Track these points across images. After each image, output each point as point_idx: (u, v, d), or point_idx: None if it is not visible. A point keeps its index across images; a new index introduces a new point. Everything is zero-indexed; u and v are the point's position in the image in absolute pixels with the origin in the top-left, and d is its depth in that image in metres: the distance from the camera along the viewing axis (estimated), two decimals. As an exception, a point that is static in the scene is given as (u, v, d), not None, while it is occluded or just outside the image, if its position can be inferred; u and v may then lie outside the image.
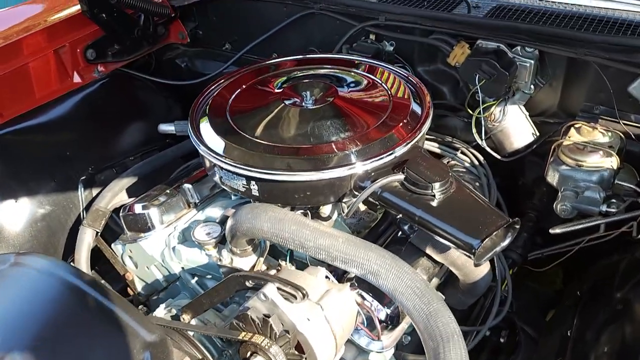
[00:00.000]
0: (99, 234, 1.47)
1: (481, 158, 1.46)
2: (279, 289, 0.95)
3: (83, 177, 1.63)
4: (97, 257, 1.50)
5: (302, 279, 1.00)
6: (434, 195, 1.07)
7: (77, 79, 1.75)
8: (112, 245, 1.44)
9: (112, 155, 1.72)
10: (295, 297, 0.94)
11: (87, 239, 1.44)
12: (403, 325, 1.14)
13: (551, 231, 1.29)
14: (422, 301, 0.94)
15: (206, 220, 1.30)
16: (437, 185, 1.06)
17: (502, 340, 1.40)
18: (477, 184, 1.41)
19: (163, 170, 1.59)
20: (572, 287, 1.50)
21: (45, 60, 1.67)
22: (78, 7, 1.69)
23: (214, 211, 1.36)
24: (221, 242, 1.24)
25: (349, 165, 1.12)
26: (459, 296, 1.27)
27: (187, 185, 1.40)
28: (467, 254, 1.01)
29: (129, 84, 1.89)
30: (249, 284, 0.99)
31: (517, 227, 1.05)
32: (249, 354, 0.95)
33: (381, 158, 1.13)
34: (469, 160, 1.47)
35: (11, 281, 0.90)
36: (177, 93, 1.94)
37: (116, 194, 1.52)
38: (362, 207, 1.36)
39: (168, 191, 1.40)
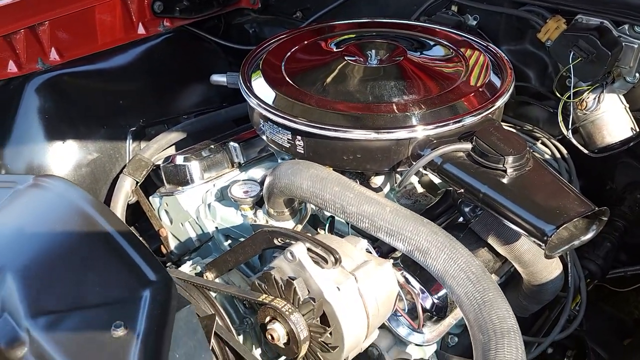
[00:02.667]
0: (139, 184, 1.41)
1: (564, 151, 1.27)
2: (309, 250, 0.82)
3: (133, 129, 1.57)
4: (137, 213, 1.44)
5: (338, 244, 0.86)
6: (505, 171, 0.90)
7: (141, 30, 1.70)
8: (150, 197, 1.37)
9: (166, 111, 1.66)
10: (327, 262, 0.81)
11: (125, 187, 1.38)
12: (450, 321, 0.98)
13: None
14: (476, 288, 0.79)
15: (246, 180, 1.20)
16: (510, 159, 0.90)
17: (566, 360, 1.20)
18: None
19: (214, 130, 1.50)
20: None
21: (111, 6, 1.62)
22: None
23: (257, 172, 1.25)
24: (259, 203, 1.13)
25: (408, 128, 0.97)
26: (521, 300, 1.09)
27: (233, 144, 1.31)
28: (538, 242, 0.84)
29: (194, 42, 1.82)
30: (277, 242, 0.87)
31: (605, 218, 0.86)
32: (267, 319, 0.83)
33: (447, 124, 0.98)
34: (549, 153, 1.29)
35: (23, 201, 0.83)
36: (241, 58, 1.85)
37: (162, 147, 1.45)
38: (420, 189, 1.21)
39: (213, 147, 1.31)
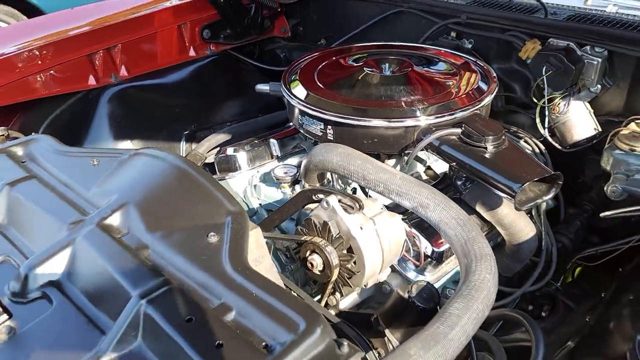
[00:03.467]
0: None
1: (543, 147, 1.57)
2: (339, 200, 1.12)
3: (186, 132, 1.89)
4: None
5: (361, 198, 1.16)
6: (486, 148, 1.20)
7: (192, 52, 2.04)
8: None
9: (212, 119, 1.98)
10: (352, 208, 1.10)
11: (184, 175, 1.68)
12: (446, 268, 1.26)
13: (601, 215, 1.36)
14: (462, 230, 1.07)
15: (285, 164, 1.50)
16: (490, 138, 1.20)
17: (543, 314, 1.46)
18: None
19: (252, 133, 1.81)
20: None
21: (169, 33, 1.98)
22: (202, -9, 2.00)
23: (293, 161, 1.56)
24: (296, 182, 1.43)
25: (414, 118, 1.28)
26: (504, 260, 1.37)
27: (273, 140, 1.62)
28: (510, 197, 1.13)
29: (234, 64, 2.16)
30: (315, 197, 1.17)
31: (560, 182, 1.15)
32: (308, 253, 1.12)
33: (443, 116, 1.28)
34: (530, 149, 1.58)
35: (130, 163, 1.13)
36: (272, 77, 2.19)
37: (212, 145, 1.77)
38: (424, 176, 1.51)
39: (256, 142, 1.62)
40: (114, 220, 0.98)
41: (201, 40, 2.05)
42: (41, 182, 1.11)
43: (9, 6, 3.92)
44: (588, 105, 1.56)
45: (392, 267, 1.23)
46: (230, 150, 1.58)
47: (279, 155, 1.61)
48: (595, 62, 1.50)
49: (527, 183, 1.11)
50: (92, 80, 1.81)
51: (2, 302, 0.86)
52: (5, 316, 0.85)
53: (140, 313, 0.80)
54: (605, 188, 1.36)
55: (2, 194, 1.08)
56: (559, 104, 1.55)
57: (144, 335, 0.79)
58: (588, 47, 1.52)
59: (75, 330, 0.85)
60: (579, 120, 1.55)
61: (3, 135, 1.32)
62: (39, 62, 1.68)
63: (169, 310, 0.80)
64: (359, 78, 1.44)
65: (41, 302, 0.90)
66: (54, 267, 0.92)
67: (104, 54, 1.82)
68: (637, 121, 1.43)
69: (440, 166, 1.51)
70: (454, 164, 1.23)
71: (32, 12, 4.02)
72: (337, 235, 1.10)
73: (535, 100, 1.56)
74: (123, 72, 1.87)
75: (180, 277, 0.86)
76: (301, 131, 1.44)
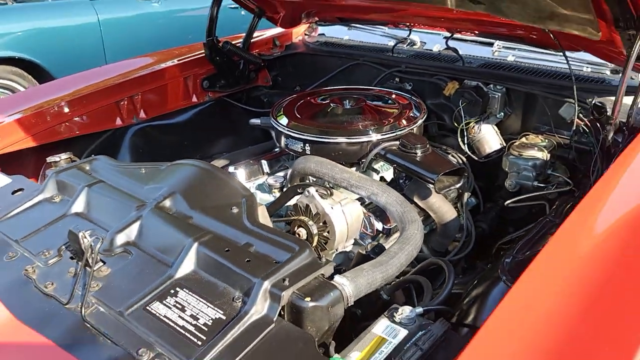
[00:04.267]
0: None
1: (464, 158, 2.11)
2: (316, 190, 1.63)
3: (193, 160, 2.39)
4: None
5: (332, 191, 1.67)
6: (416, 153, 1.74)
7: (194, 99, 2.57)
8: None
9: (212, 150, 2.50)
10: (326, 195, 1.61)
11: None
12: (392, 240, 1.77)
13: (505, 204, 1.90)
14: (400, 207, 1.58)
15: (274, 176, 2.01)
16: (418, 147, 1.74)
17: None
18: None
19: (247, 158, 2.33)
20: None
21: (177, 84, 2.51)
22: (202, 52, 2.55)
23: (280, 174, 2.07)
24: (283, 187, 1.94)
25: (367, 136, 1.82)
26: (437, 238, 1.88)
27: (263, 161, 2.13)
28: (431, 184, 1.66)
29: (227, 107, 2.69)
30: (299, 190, 1.67)
31: (466, 175, 1.70)
32: (296, 227, 1.62)
33: (387, 134, 1.82)
34: (455, 160, 2.13)
35: (170, 169, 1.62)
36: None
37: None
38: (377, 177, 2.04)
39: (251, 162, 2.13)
40: (166, 203, 1.46)
41: (201, 89, 2.58)
42: (108, 184, 1.59)
43: (17, 67, 4.43)
44: (495, 127, 2.12)
45: (355, 240, 1.73)
46: (231, 168, 2.08)
47: (268, 172, 2.12)
48: (497, 96, 2.08)
49: (442, 174, 1.65)
50: (118, 121, 2.31)
51: (98, 257, 1.32)
52: (101, 263, 1.33)
53: (194, 250, 1.28)
54: (505, 183, 1.91)
55: (82, 194, 1.56)
56: (474, 127, 2.11)
57: (197, 264, 1.27)
58: (492, 85, 2.10)
59: (150, 267, 1.32)
60: (489, 138, 2.10)
61: (69, 157, 1.80)
62: (81, 108, 2.18)
63: (213, 246, 1.28)
64: (327, 110, 1.99)
65: (123, 255, 1.37)
66: (130, 233, 1.40)
67: (128, 101, 2.33)
68: (526, 136, 2.00)
69: (389, 175, 2.04)
70: (395, 165, 1.76)
71: (36, 71, 4.54)
72: (315, 213, 1.61)
73: (457, 125, 2.13)
74: (142, 114, 2.38)
75: (216, 231, 1.35)
76: (286, 150, 1.97)
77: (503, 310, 1.01)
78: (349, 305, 1.20)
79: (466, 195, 1.96)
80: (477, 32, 2.23)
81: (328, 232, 1.61)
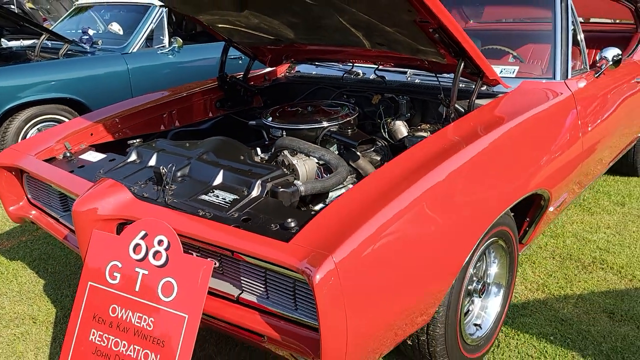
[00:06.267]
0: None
1: (385, 143, 3.31)
2: (289, 152, 2.82)
3: (210, 152, 3.60)
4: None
5: (298, 154, 2.86)
6: (347, 133, 2.94)
7: (210, 114, 3.80)
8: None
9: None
10: (294, 154, 2.80)
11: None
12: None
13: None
14: (336, 160, 2.77)
15: (265, 154, 3.21)
16: (349, 129, 2.94)
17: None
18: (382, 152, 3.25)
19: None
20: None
21: (199, 104, 3.74)
22: (215, 83, 3.80)
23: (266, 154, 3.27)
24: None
25: (319, 124, 3.03)
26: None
27: (257, 148, 3.33)
28: (356, 149, 2.86)
29: (233, 120, 3.91)
30: (279, 153, 2.86)
31: (378, 143, 2.89)
32: (276, 173, 2.81)
33: (331, 122, 3.04)
34: (379, 144, 3.33)
35: (205, 141, 2.82)
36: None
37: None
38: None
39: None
40: (203, 156, 2.64)
41: (215, 107, 3.81)
42: (167, 150, 2.78)
43: (65, 105, 5.69)
44: (404, 122, 3.34)
45: (312, 184, 2.90)
46: (237, 152, 3.27)
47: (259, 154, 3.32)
48: (404, 103, 3.30)
49: (360, 142, 2.85)
50: (162, 127, 3.52)
51: (169, 179, 2.48)
52: (171, 184, 2.50)
53: (221, 173, 2.46)
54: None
55: (154, 155, 2.74)
56: (390, 122, 3.32)
57: (223, 178, 2.45)
58: (401, 96, 3.32)
59: (197, 184, 2.49)
60: (400, 129, 3.31)
61: (141, 140, 2.99)
62: (139, 117, 3.39)
63: (230, 169, 2.46)
64: (296, 112, 3.21)
65: (182, 181, 2.55)
66: (184, 170, 2.57)
67: (168, 115, 3.55)
68: (421, 125, 3.21)
69: (335, 151, 3.23)
70: (335, 140, 2.97)
71: (79, 106, 5.79)
72: (288, 164, 2.79)
73: (380, 122, 3.34)
74: (177, 123, 3.60)
75: (232, 165, 2.53)
76: (271, 136, 3.17)
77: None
78: (302, 194, 2.37)
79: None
80: (392, 63, 3.48)
81: (295, 175, 2.79)
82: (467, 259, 2.28)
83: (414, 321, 2.12)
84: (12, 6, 9.32)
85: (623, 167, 5.05)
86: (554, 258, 3.74)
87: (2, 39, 7.03)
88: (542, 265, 3.65)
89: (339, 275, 1.76)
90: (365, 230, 1.88)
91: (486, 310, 2.83)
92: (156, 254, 2.10)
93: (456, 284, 2.32)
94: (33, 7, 11.88)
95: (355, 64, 3.73)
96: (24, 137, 5.41)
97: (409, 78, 3.57)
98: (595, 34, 5.33)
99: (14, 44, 7.19)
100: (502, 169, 2.51)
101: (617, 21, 5.26)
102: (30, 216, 3.07)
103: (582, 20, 5.62)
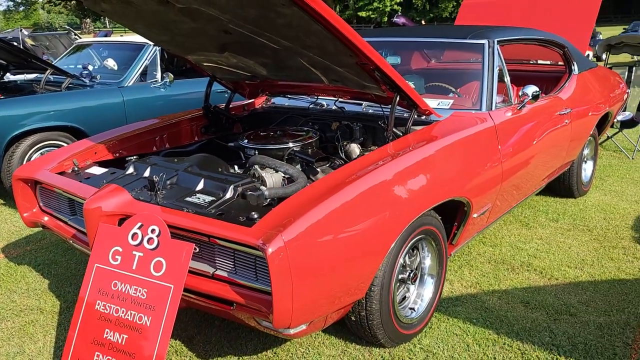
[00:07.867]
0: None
1: (342, 161, 3.96)
2: (259, 167, 3.46)
3: (195, 170, 4.23)
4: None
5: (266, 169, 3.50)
6: (308, 152, 3.59)
7: (196, 138, 4.44)
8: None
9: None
10: (264, 169, 3.44)
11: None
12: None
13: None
14: (298, 173, 3.41)
15: (240, 170, 3.85)
16: (309, 149, 3.60)
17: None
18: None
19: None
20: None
21: (187, 129, 4.39)
22: (201, 112, 4.46)
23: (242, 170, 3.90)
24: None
25: (286, 145, 3.68)
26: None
27: (235, 166, 3.97)
28: (313, 165, 3.50)
29: (216, 144, 4.55)
30: (251, 168, 3.50)
31: (333, 159, 3.54)
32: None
33: (296, 143, 3.69)
34: (338, 162, 3.98)
35: (190, 157, 3.45)
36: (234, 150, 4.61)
37: (208, 172, 4.11)
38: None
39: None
40: (189, 169, 3.27)
41: (200, 132, 4.46)
42: (159, 164, 3.40)
43: (65, 132, 6.32)
44: (358, 145, 4.00)
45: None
46: (218, 168, 3.91)
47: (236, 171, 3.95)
48: (357, 128, 3.97)
49: (316, 159, 3.50)
50: (154, 148, 4.16)
51: (160, 186, 3.10)
52: (160, 190, 3.13)
53: (202, 181, 3.08)
54: (357, 169, 3.76)
55: (148, 168, 3.36)
56: (346, 144, 3.97)
57: (204, 185, 3.07)
58: (355, 123, 4.00)
59: (183, 190, 3.12)
60: (354, 150, 3.97)
61: (137, 157, 3.62)
62: (135, 140, 4.03)
63: (210, 178, 3.09)
64: (267, 135, 3.86)
65: (170, 188, 3.17)
66: (173, 180, 3.20)
67: (159, 138, 4.19)
68: (371, 147, 3.87)
69: (299, 167, 3.87)
70: (298, 158, 3.61)
71: (78, 133, 6.41)
72: (258, 176, 3.42)
73: (337, 143, 4.00)
74: (167, 145, 4.23)
75: (211, 175, 3.16)
76: (246, 154, 3.81)
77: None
78: (266, 197, 3.01)
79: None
80: (349, 97, 4.16)
81: (263, 185, 3.42)
82: (392, 248, 2.91)
83: (349, 292, 2.73)
84: (16, 43, 10.04)
85: (561, 189, 5.74)
86: (489, 263, 4.37)
87: (7, 73, 7.69)
88: (479, 268, 4.27)
89: (287, 250, 2.38)
90: (309, 217, 2.51)
91: (422, 297, 3.44)
92: (149, 240, 2.71)
93: (387, 269, 2.94)
94: (33, 43, 12.65)
95: (319, 97, 4.41)
96: (29, 160, 6.01)
97: (364, 109, 4.25)
98: (536, 74, 6.12)
99: (17, 77, 7.86)
100: (425, 178, 3.17)
101: (558, 63, 6.03)
102: (42, 221, 3.66)
103: (531, 62, 6.43)
